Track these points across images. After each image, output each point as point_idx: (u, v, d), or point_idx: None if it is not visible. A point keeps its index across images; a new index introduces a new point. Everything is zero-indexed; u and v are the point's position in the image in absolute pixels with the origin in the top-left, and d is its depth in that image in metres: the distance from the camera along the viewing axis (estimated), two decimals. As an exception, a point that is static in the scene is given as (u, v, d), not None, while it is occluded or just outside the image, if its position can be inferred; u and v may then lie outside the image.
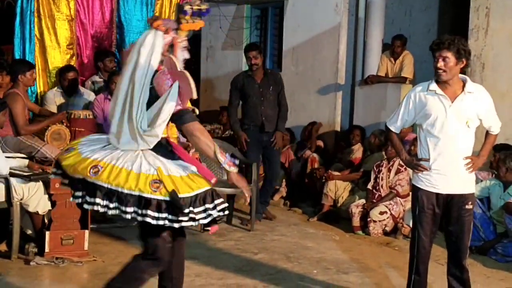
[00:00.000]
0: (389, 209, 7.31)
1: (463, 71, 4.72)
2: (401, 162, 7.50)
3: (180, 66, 3.78)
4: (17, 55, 7.62)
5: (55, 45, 7.80)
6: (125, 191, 3.53)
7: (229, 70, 10.26)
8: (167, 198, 3.53)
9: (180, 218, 3.54)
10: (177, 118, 3.72)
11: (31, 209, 5.79)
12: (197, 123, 3.74)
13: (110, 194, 3.54)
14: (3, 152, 6.08)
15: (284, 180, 8.97)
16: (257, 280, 5.58)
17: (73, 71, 7.57)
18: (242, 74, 7.86)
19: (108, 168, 3.58)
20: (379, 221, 7.29)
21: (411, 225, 7.21)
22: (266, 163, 7.85)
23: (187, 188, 3.59)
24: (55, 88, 7.61)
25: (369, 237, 7.25)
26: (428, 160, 4.62)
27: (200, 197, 3.60)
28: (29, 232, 6.02)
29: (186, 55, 3.86)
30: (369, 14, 9.34)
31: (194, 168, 3.74)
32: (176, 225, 3.57)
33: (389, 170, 7.49)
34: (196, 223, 3.63)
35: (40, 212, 5.84)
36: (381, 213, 7.29)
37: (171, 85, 3.66)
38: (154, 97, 3.70)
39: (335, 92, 9.41)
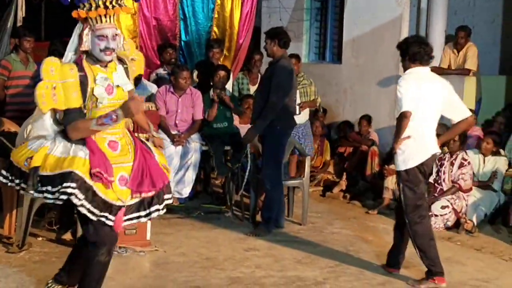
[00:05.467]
0: (451, 204, 7.20)
1: None
2: (464, 156, 7.37)
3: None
4: (82, 48, 7.77)
5: (118, 38, 7.94)
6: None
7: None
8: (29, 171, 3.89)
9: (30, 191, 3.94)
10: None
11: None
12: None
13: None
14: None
15: (344, 173, 8.93)
16: (317, 273, 5.58)
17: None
18: None
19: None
20: (441, 215, 7.19)
21: (474, 220, 7.14)
22: None
23: (51, 168, 3.85)
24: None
25: (431, 231, 7.15)
26: None
27: (58, 176, 3.82)
28: (93, 221, 6.14)
29: (106, 45, 3.92)
30: (431, 5, 9.19)
31: (82, 154, 3.86)
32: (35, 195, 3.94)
33: (452, 164, 7.37)
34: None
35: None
36: (443, 207, 7.19)
37: None
38: None
39: (396, 84, 9.26)
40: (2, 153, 6.04)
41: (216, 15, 8.88)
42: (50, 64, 3.87)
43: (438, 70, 8.90)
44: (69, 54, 4.01)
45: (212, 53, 8.49)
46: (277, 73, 6.59)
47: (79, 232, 5.82)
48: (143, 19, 8.16)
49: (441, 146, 7.87)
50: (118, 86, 4.03)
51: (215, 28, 8.89)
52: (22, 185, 4.01)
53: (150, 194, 4.04)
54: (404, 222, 5.40)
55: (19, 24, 8.45)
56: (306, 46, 10.71)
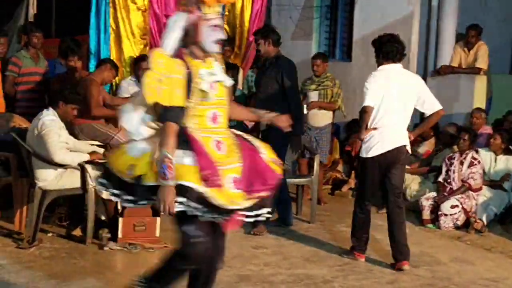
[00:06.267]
0: (461, 203, 7.17)
1: None
2: (474, 155, 7.34)
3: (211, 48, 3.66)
4: (92, 45, 7.80)
5: (129, 35, 7.94)
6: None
7: (298, 60, 10.12)
8: (134, 181, 3.60)
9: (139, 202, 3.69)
10: None
11: (105, 195, 5.89)
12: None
13: None
14: (79, 139, 6.28)
15: (353, 171, 8.91)
16: (325, 271, 5.58)
17: (147, 60, 7.70)
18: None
19: None
20: (450, 214, 7.17)
21: (484, 220, 7.11)
22: None
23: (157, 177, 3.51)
24: (129, 77, 7.75)
25: (440, 230, 7.14)
26: None
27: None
28: (103, 218, 6.16)
29: (219, 35, 3.65)
30: (442, 3, 9.17)
31: (188, 161, 3.55)
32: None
33: (462, 163, 7.34)
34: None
35: (113, 199, 5.94)
36: (453, 206, 7.17)
37: None
38: None
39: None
40: (14, 149, 6.08)
41: (226, 13, 8.89)
42: (159, 55, 3.65)
43: (448, 69, 8.92)
44: (171, 47, 3.67)
45: (223, 51, 8.48)
46: (287, 70, 6.69)
47: (89, 227, 5.87)
48: (153, 16, 8.17)
49: (451, 143, 7.89)
50: (219, 81, 3.73)
51: (225, 26, 8.90)
52: (124, 196, 3.71)
53: (265, 193, 3.72)
54: (391, 218, 5.73)
55: (30, 21, 8.50)
56: (316, 44, 10.70)
